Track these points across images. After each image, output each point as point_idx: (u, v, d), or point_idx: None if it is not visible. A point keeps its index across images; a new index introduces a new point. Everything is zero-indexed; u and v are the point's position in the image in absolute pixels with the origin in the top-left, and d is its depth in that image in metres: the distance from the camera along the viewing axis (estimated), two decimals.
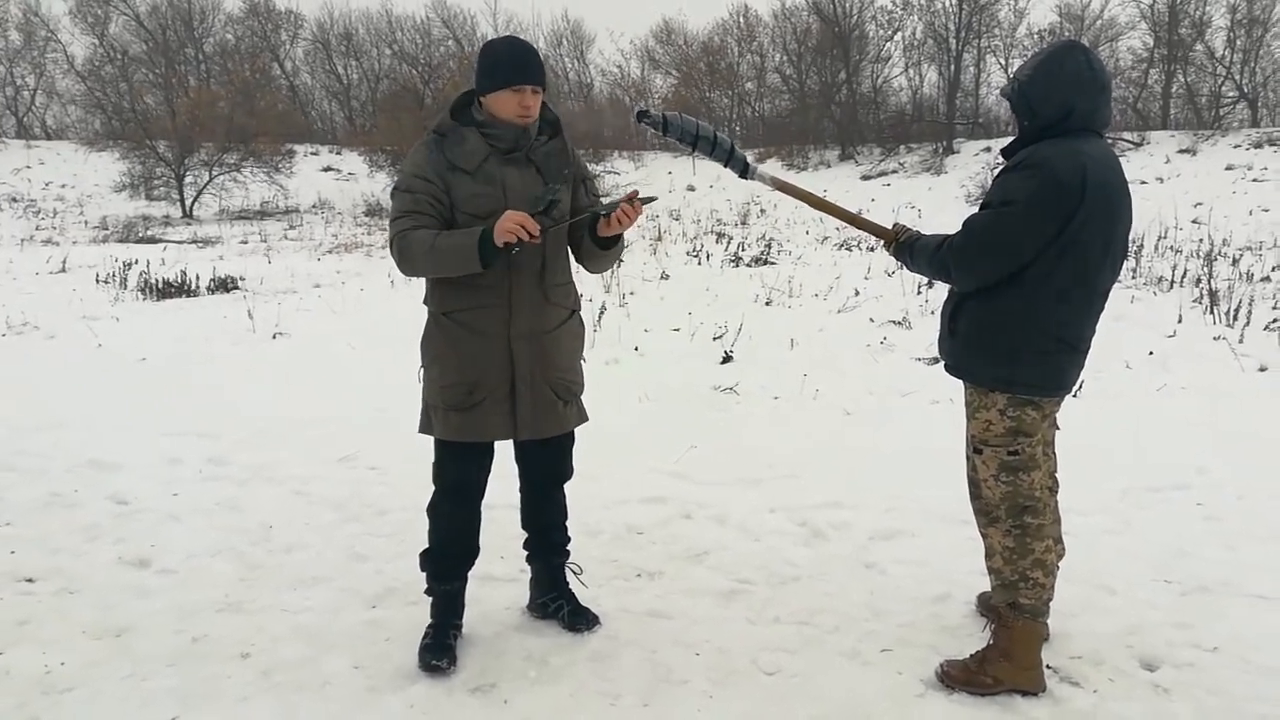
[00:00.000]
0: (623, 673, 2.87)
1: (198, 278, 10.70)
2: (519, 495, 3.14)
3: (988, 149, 24.00)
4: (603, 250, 2.84)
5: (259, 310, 8.83)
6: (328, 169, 28.18)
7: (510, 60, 2.73)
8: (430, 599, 3.01)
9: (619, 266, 10.74)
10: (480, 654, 2.97)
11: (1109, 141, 2.89)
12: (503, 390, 2.81)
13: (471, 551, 3.02)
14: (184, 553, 3.71)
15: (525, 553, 3.20)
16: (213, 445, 5.07)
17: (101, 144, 25.32)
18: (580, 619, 3.12)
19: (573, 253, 2.97)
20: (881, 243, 3.01)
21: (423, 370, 2.91)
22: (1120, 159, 2.85)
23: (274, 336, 8.00)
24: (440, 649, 2.89)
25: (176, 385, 6.37)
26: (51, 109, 35.75)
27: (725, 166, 3.00)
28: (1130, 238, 2.83)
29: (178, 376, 6.62)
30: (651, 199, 2.82)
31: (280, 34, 37.19)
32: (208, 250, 15.02)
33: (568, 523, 3.20)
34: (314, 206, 23.26)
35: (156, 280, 10.52)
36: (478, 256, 2.58)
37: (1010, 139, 2.85)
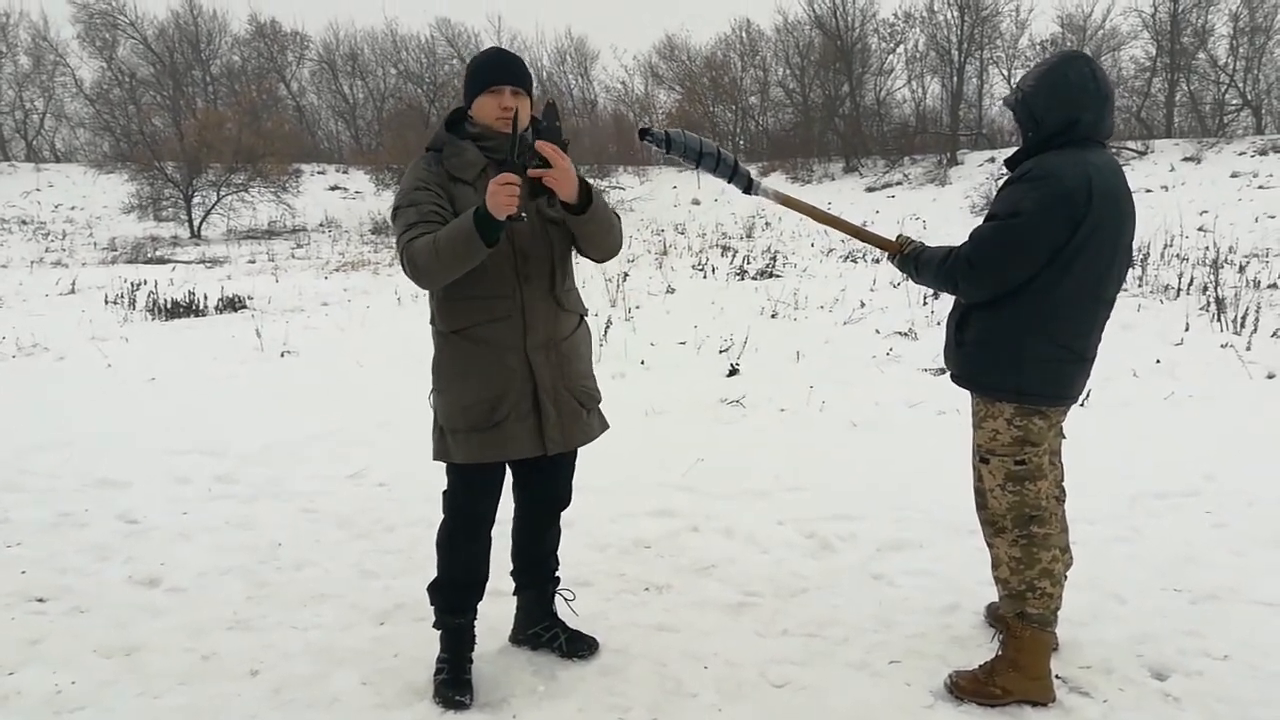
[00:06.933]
0: (631, 686, 2.87)
1: (206, 297, 10.76)
2: (512, 525, 3.06)
3: (992, 159, 24.03)
4: (581, 216, 2.59)
5: (267, 329, 8.86)
6: (334, 188, 28.38)
7: (485, 62, 2.72)
8: (440, 632, 2.91)
9: (624, 280, 10.76)
10: (488, 669, 2.96)
11: (1113, 150, 2.89)
12: (526, 405, 2.71)
13: (483, 580, 2.93)
14: (194, 571, 3.73)
15: (514, 584, 3.11)
16: (221, 463, 5.10)
17: (110, 166, 25.60)
18: (580, 645, 3.05)
19: (576, 249, 2.81)
20: (886, 255, 3.01)
21: (436, 395, 2.80)
22: (1124, 168, 2.86)
23: (282, 355, 8.03)
24: (460, 685, 2.82)
25: (185, 404, 6.40)
26: (60, 132, 36.22)
27: (729, 183, 2.97)
28: (1134, 246, 2.83)
29: (186, 395, 6.66)
30: (553, 116, 2.62)
31: (286, 55, 37.61)
32: (216, 270, 15.10)
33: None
34: (321, 225, 23.39)
35: (165, 300, 10.58)
36: (479, 237, 2.42)
37: (1014, 149, 2.85)
